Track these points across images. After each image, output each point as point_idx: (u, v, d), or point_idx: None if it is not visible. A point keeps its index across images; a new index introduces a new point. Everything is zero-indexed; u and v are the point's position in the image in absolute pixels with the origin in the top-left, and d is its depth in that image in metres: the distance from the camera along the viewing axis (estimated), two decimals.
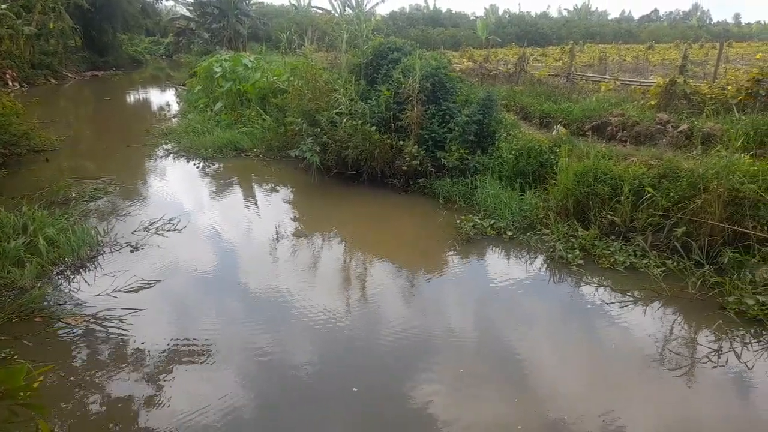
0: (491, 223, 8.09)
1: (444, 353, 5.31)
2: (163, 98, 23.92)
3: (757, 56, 23.12)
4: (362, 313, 6.00)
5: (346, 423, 4.38)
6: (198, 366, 4.95)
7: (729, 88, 10.46)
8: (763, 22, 79.70)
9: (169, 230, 7.95)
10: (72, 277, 6.48)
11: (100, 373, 4.81)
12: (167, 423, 4.24)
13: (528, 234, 7.83)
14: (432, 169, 9.66)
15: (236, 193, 10.20)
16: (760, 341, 5.47)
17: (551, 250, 7.31)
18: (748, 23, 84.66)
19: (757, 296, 5.94)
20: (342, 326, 5.67)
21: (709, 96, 10.52)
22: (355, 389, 4.70)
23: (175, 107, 19.89)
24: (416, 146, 9.64)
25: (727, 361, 5.18)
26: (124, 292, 6.15)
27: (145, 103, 23.27)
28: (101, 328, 5.47)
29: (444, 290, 6.66)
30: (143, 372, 4.85)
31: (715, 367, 5.11)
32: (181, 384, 4.72)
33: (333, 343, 5.41)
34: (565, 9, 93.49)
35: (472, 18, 66.32)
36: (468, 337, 5.64)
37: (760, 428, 4.44)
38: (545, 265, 7.17)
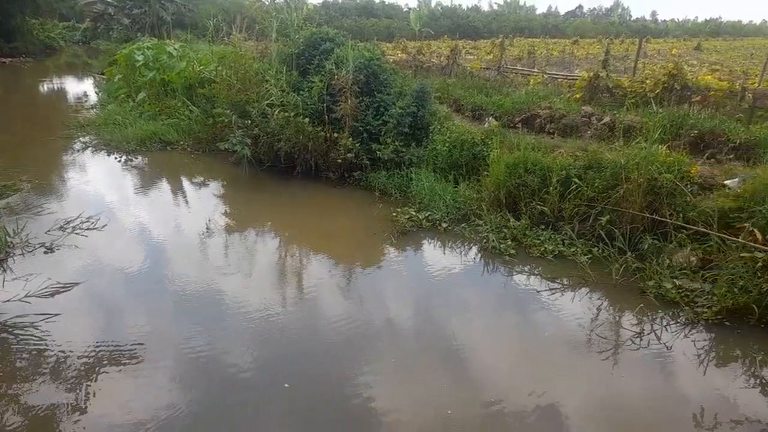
0: (426, 215, 8.15)
1: (380, 344, 5.34)
2: (81, 88, 22.48)
3: (672, 51, 24.67)
4: (298, 308, 5.90)
5: (282, 416, 4.31)
6: (126, 369, 4.70)
7: (647, 82, 11.06)
8: (677, 20, 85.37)
9: (88, 229, 7.46)
10: None
11: (15, 384, 4.46)
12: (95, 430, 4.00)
13: (462, 225, 7.97)
14: (367, 162, 9.61)
15: (162, 189, 9.73)
16: (677, 322, 5.82)
17: (485, 240, 7.46)
18: (665, 21, 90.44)
19: (674, 280, 6.33)
20: (277, 322, 5.56)
21: (629, 89, 11.09)
22: (286, 385, 4.59)
23: (93, 97, 18.73)
24: (351, 138, 9.56)
25: (648, 343, 5.48)
26: (38, 296, 5.71)
27: (61, 93, 21.77)
28: (12, 336, 5.06)
29: (380, 283, 6.66)
30: (65, 380, 4.53)
31: (637, 348, 5.40)
32: (108, 389, 4.47)
33: (268, 340, 5.28)
34: (495, 3, 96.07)
35: (405, 9, 67.01)
36: (404, 327, 5.68)
37: (678, 402, 4.72)
38: (479, 256, 7.32)
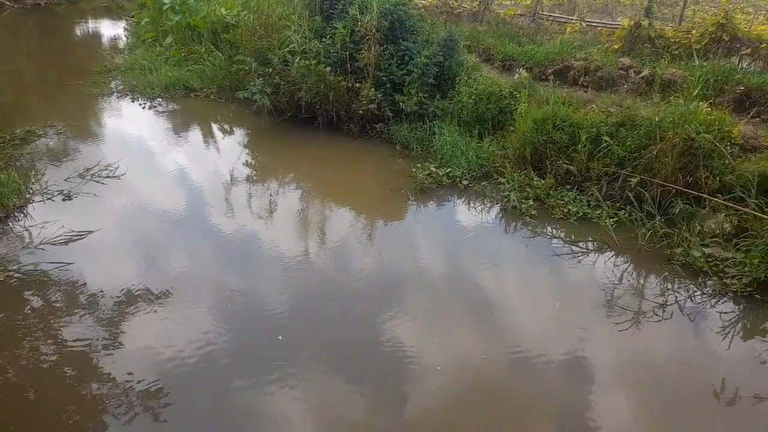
0: (447, 171, 7.86)
1: (399, 294, 5.35)
2: (112, 31, 22.26)
3: None
4: (321, 256, 6.00)
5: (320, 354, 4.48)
6: (159, 309, 4.92)
7: (693, 32, 10.19)
8: None
9: (107, 177, 7.45)
10: None
11: (48, 321, 4.68)
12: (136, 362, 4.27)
13: (483, 183, 7.65)
14: (390, 114, 9.24)
15: (183, 137, 9.62)
16: (704, 293, 5.50)
17: (506, 200, 7.16)
18: None
19: (704, 248, 5.94)
20: (303, 268, 5.72)
21: (673, 40, 10.25)
22: (280, 337, 4.55)
23: (124, 41, 18.56)
24: (373, 89, 9.16)
25: (672, 314, 5.19)
26: (52, 244, 5.75)
27: (92, 36, 21.65)
28: (42, 278, 5.19)
29: (393, 240, 6.48)
30: (99, 318, 4.77)
31: (660, 320, 5.12)
32: (139, 325, 4.72)
33: (297, 284, 5.44)
34: None
35: None
36: (419, 283, 5.59)
37: (699, 375, 4.48)
38: (499, 215, 7.05)
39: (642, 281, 5.80)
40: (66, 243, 5.78)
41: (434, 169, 7.91)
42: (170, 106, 11.09)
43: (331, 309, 5.09)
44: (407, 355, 4.55)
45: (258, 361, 4.37)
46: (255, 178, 7.99)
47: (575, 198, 7.12)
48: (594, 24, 13.07)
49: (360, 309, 5.16)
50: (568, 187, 7.38)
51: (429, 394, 4.20)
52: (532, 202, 7.06)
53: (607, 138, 7.10)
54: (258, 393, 4.07)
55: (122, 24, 24.00)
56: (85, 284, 5.17)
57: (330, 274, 5.68)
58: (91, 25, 25.06)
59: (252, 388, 4.10)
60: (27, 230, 6.01)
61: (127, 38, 18.85)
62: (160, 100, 11.27)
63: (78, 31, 23.13)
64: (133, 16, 21.38)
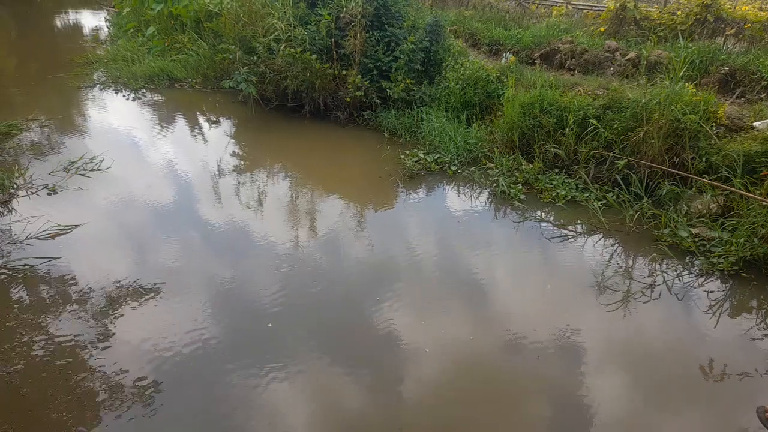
0: (436, 157, 7.84)
1: (389, 280, 5.27)
2: (93, 21, 21.86)
3: None
4: (311, 246, 5.92)
5: (314, 340, 4.37)
6: (148, 302, 4.87)
7: (678, 13, 10.20)
8: None
9: (92, 170, 7.33)
10: None
11: (36, 316, 4.61)
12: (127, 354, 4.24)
13: (472, 169, 7.65)
14: (377, 101, 9.20)
15: (168, 128, 9.46)
16: (691, 273, 5.55)
17: (494, 184, 7.16)
18: None
19: (691, 228, 5.99)
20: (293, 257, 5.67)
21: (658, 21, 10.27)
22: (269, 324, 4.53)
23: (105, 31, 18.22)
24: (360, 76, 9.09)
25: (660, 294, 5.24)
26: (38, 239, 5.66)
27: (73, 27, 21.22)
28: (29, 273, 5.09)
29: (385, 229, 6.44)
30: (88, 312, 4.71)
31: (648, 300, 5.16)
32: (129, 319, 4.67)
33: (286, 273, 5.36)
34: None
35: None
36: (409, 269, 5.52)
37: (686, 354, 4.54)
38: (488, 200, 7.05)
39: (630, 262, 5.84)
40: (52, 237, 5.69)
41: (423, 156, 7.88)
42: (154, 97, 10.92)
43: (321, 297, 5.05)
44: (397, 338, 4.55)
45: (248, 350, 4.35)
46: (242, 168, 7.91)
47: (563, 181, 7.14)
48: (580, 6, 13.04)
49: (350, 296, 5.13)
50: (557, 170, 7.39)
51: (419, 378, 4.21)
52: (521, 187, 7.06)
53: (594, 121, 7.11)
54: (248, 382, 4.05)
55: (103, 14, 23.57)
56: (73, 279, 5.09)
57: (320, 262, 5.63)
58: (72, 16, 24.58)
59: (242, 378, 4.08)
60: (12, 225, 5.91)
61: (109, 29, 18.53)
62: (144, 91, 11.10)
63: (58, 22, 22.67)
64: (114, 6, 20.97)
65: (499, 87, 8.64)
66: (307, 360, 4.30)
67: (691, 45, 8.77)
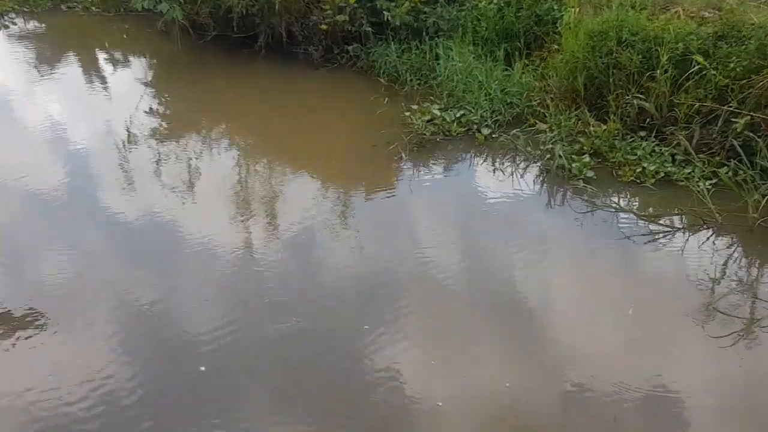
0: (458, 115, 7.90)
1: (387, 302, 5.29)
2: None
3: None
4: (269, 250, 5.96)
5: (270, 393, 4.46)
6: (26, 336, 4.80)
7: None
8: None
9: None
10: None
11: None
12: None
13: (514, 132, 7.64)
14: (369, 29, 9.27)
15: (51, 74, 9.63)
16: None
17: (548, 155, 7.19)
18: None
19: None
20: (239, 269, 5.65)
21: None
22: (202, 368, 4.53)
23: None
24: None
25: None
26: None
27: None
28: None
29: (382, 226, 6.51)
30: None
31: None
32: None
33: (236, 293, 5.39)
34: None
35: None
36: (417, 287, 5.52)
37: None
38: (539, 180, 7.12)
39: (755, 272, 5.86)
40: None
41: (438, 113, 7.93)
42: (30, 25, 11.02)
43: (284, 327, 5.02)
44: (396, 387, 4.51)
45: (169, 407, 4.32)
46: (165, 133, 8.02)
47: (653, 151, 7.15)
48: None
49: (327, 325, 5.12)
50: (642, 134, 7.40)
51: None
52: (588, 159, 7.08)
53: (699, 58, 7.08)
54: None
55: None
56: None
57: (284, 275, 5.66)
58: None
59: None
60: None
61: None
62: (13, 15, 11.10)
63: None
64: None
65: (556, 7, 8.70)
66: (258, 425, 4.26)
67: None
